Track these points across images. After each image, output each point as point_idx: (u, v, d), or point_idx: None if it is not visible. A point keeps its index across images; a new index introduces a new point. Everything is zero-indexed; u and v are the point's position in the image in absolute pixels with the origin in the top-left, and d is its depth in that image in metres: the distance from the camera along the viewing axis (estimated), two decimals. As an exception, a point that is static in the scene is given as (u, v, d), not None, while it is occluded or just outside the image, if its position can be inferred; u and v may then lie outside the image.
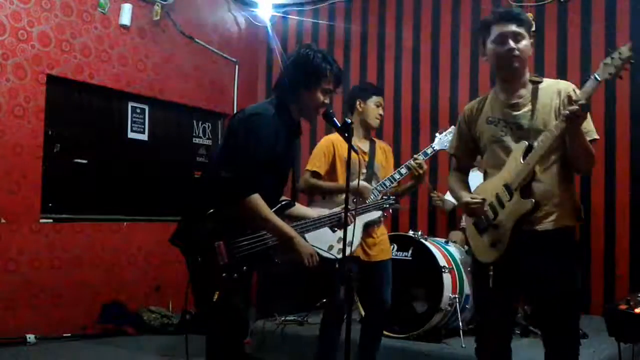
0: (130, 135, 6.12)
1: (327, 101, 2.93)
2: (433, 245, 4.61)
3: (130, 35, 5.96)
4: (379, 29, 6.70)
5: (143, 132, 6.23)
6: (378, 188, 3.81)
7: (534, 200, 2.70)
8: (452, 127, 3.97)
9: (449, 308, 4.44)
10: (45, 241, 5.31)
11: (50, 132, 5.40)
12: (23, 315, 5.11)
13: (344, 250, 2.86)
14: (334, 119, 2.88)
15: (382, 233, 3.93)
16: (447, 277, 4.43)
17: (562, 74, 5.53)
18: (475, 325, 3.58)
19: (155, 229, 5.95)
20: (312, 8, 7.03)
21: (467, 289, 4.58)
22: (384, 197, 3.67)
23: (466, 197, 2.90)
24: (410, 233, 4.76)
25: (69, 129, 5.61)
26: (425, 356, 4.30)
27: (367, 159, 3.91)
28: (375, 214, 3.74)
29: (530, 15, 5.87)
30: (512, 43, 2.77)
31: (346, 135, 2.84)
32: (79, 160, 5.68)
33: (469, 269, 4.71)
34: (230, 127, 2.93)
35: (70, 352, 4.96)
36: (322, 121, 3.08)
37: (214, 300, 2.66)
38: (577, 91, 2.68)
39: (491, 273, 2.79)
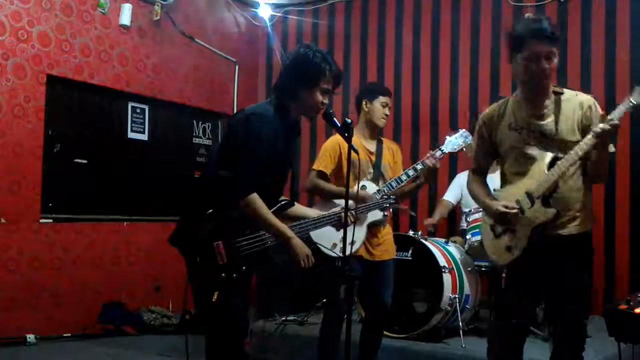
0: (130, 135, 6.11)
1: (326, 101, 2.93)
2: (433, 245, 4.62)
3: (130, 35, 5.96)
4: (379, 29, 6.70)
5: (143, 132, 6.23)
6: (384, 189, 3.79)
7: (556, 210, 2.83)
8: (462, 129, 3.97)
9: (449, 308, 4.44)
10: (45, 241, 5.31)
11: (50, 132, 5.40)
12: (23, 315, 5.11)
13: (344, 250, 2.86)
14: (334, 119, 2.88)
15: (387, 233, 3.92)
16: (447, 277, 4.43)
17: (562, 74, 5.52)
18: (488, 325, 3.64)
19: (155, 229, 5.95)
20: (312, 8, 7.03)
21: (467, 289, 4.58)
22: (384, 196, 3.67)
23: (499, 205, 2.96)
24: (410, 233, 4.76)
25: (69, 129, 5.61)
26: (426, 356, 4.30)
27: (374, 159, 3.91)
28: (379, 214, 3.74)
29: (530, 16, 5.88)
30: (545, 64, 2.83)
31: (346, 135, 2.84)
32: (79, 160, 5.68)
33: (469, 269, 4.73)
34: (230, 127, 2.93)
35: (70, 352, 4.96)
36: (322, 121, 3.08)
37: (213, 300, 2.66)
38: (597, 106, 2.88)
39: (504, 275, 2.87)
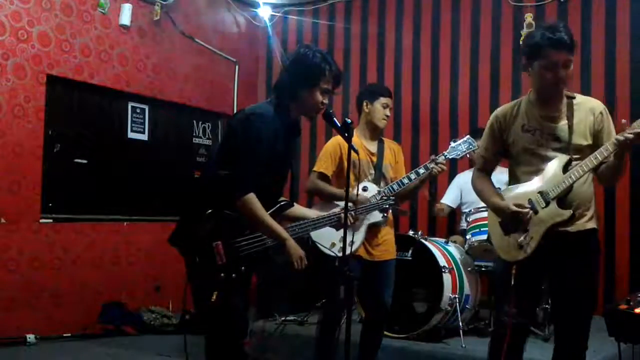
0: (130, 135, 6.11)
1: (325, 101, 2.94)
2: (433, 245, 4.62)
3: (130, 35, 5.96)
4: (379, 29, 6.70)
5: (143, 132, 6.23)
6: (385, 191, 3.78)
7: (572, 211, 2.85)
8: (467, 136, 3.97)
9: (449, 308, 4.44)
10: (45, 241, 5.31)
11: (50, 132, 5.40)
12: (23, 315, 5.11)
13: (344, 250, 2.86)
14: (334, 119, 2.88)
15: (387, 233, 3.91)
16: (447, 277, 4.43)
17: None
18: (493, 322, 3.65)
19: (155, 229, 5.95)
20: (312, 8, 7.03)
21: (467, 289, 4.58)
22: (384, 197, 3.67)
23: (510, 205, 2.96)
24: (410, 233, 4.76)
25: (69, 129, 5.61)
26: (426, 356, 4.30)
27: (375, 160, 3.90)
28: (378, 216, 3.74)
29: (530, 16, 5.89)
30: (562, 72, 2.86)
31: (346, 135, 2.84)
32: (79, 160, 5.68)
33: (469, 269, 4.73)
34: (230, 127, 2.94)
35: (70, 352, 4.96)
36: (322, 121, 3.08)
37: (213, 300, 2.66)
38: (607, 112, 2.95)
39: (514, 272, 2.92)
